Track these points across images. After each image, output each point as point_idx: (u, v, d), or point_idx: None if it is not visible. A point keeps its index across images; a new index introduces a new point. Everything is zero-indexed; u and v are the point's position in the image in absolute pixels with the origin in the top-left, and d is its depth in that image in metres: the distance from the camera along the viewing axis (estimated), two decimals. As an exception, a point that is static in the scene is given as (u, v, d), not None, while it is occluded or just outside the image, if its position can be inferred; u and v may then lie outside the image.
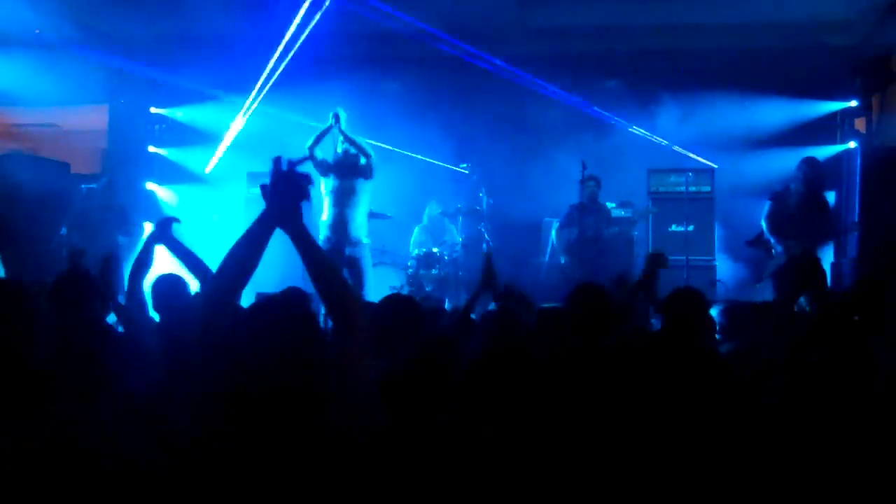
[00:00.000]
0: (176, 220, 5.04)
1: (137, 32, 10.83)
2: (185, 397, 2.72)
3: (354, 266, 8.76)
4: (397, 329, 4.15)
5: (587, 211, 10.28)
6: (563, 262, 10.54)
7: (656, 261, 5.44)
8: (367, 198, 8.93)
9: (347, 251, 8.76)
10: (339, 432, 2.25)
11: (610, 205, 10.82)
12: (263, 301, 2.51)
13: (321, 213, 9.01)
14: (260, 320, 2.32)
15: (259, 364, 2.22)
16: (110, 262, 5.44)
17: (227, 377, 2.24)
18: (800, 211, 8.89)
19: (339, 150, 8.93)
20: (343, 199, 8.79)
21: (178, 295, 5.07)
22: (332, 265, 2.69)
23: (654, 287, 5.36)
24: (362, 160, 8.84)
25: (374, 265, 10.09)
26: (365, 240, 8.86)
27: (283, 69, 11.33)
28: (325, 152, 9.03)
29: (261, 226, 2.69)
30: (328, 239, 8.79)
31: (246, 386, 2.20)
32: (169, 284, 5.13)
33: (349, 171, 8.87)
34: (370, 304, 4.78)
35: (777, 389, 3.26)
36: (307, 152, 8.75)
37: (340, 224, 8.76)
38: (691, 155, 11.36)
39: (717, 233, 10.98)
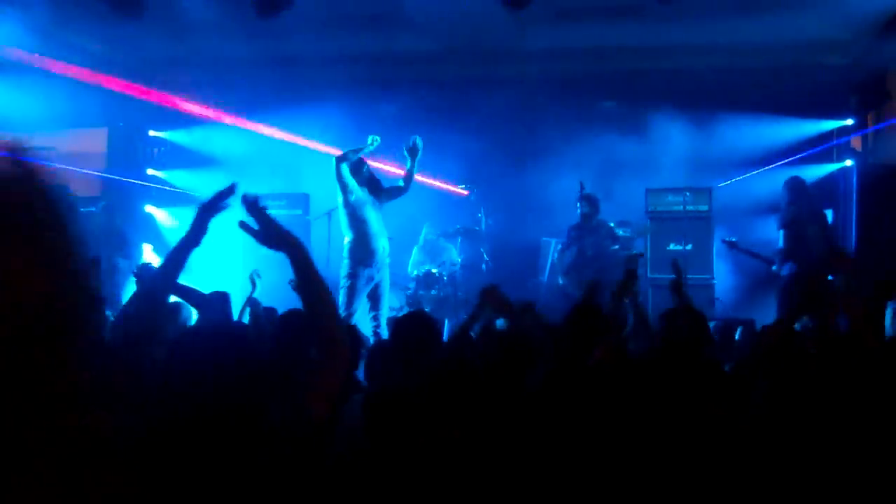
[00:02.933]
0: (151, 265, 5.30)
1: (136, 56, 10.88)
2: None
3: (375, 288, 8.67)
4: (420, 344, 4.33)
5: (584, 230, 10.29)
6: (561, 283, 10.52)
7: (632, 266, 5.46)
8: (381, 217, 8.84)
9: (369, 273, 8.64)
10: (278, 466, 2.22)
11: (609, 223, 10.83)
12: (209, 328, 2.51)
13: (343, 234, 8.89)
14: (202, 348, 2.30)
15: (198, 391, 2.19)
16: (94, 267, 5.48)
17: (166, 399, 2.22)
18: None
19: (365, 171, 8.80)
20: (366, 219, 8.66)
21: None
22: (326, 294, 2.68)
23: (631, 290, 5.35)
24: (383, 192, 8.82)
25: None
26: (386, 259, 8.79)
27: (282, 91, 11.40)
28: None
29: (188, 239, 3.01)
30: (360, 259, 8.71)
31: (183, 412, 2.18)
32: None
33: (372, 190, 8.77)
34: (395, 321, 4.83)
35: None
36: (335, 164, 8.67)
37: (363, 245, 8.67)
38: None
39: (716, 251, 10.98)
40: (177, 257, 3.01)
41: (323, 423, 2.39)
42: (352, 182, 8.61)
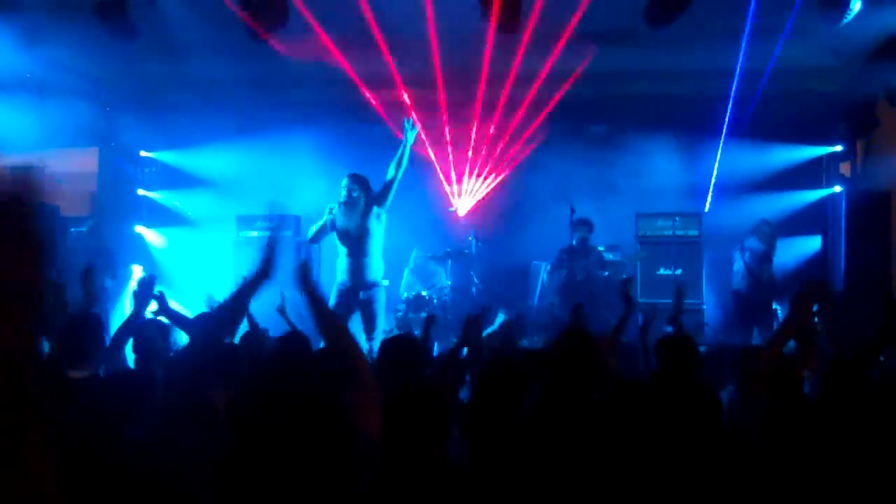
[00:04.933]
0: (153, 276, 5.27)
1: (129, 76, 10.88)
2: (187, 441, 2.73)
3: (368, 308, 8.64)
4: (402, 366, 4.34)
5: (577, 254, 10.33)
6: (554, 303, 10.56)
7: (627, 292, 5.51)
8: (380, 238, 8.78)
9: (362, 295, 8.64)
10: (339, 484, 2.24)
11: (599, 248, 10.85)
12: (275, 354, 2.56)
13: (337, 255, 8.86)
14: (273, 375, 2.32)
15: (266, 415, 2.21)
16: (88, 274, 5.46)
17: (237, 426, 2.25)
18: None
19: (343, 193, 8.79)
20: (356, 241, 8.66)
21: (162, 339, 5.16)
22: (340, 327, 2.81)
23: (625, 324, 5.41)
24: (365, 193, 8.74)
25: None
26: (383, 282, 8.77)
27: (272, 113, 11.41)
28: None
29: (251, 284, 3.09)
30: (343, 283, 8.69)
31: (252, 433, 2.20)
32: (153, 329, 5.21)
33: (353, 210, 8.70)
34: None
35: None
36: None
37: (356, 268, 8.68)
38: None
39: (705, 276, 11.01)
40: (249, 291, 3.11)
41: (378, 443, 2.44)
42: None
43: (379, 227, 8.71)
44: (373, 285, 8.65)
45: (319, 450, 2.16)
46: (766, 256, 10.40)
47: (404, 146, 8.73)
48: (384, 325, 8.94)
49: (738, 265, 10.55)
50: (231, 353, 4.70)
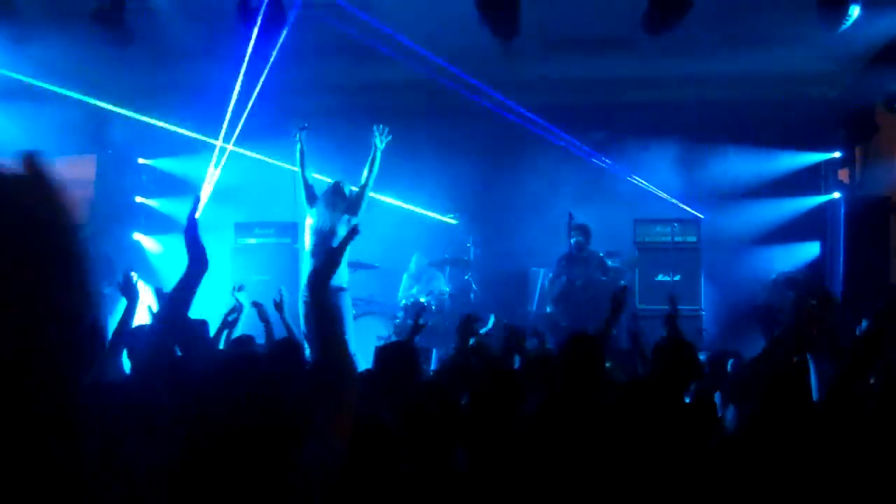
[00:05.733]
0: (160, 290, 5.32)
1: (126, 83, 10.86)
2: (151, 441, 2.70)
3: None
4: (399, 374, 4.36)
5: (575, 260, 10.31)
6: (548, 311, 10.53)
7: (618, 298, 5.58)
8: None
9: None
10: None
11: (600, 254, 10.83)
12: (243, 356, 2.47)
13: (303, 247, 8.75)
14: (236, 375, 2.27)
15: (224, 419, 2.16)
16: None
17: (191, 426, 2.19)
18: None
19: (329, 188, 8.73)
20: (323, 240, 8.56)
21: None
22: (336, 336, 2.71)
23: (611, 327, 5.47)
24: (346, 196, 8.67)
25: (362, 315, 10.01)
26: (345, 286, 8.63)
27: (271, 119, 11.37)
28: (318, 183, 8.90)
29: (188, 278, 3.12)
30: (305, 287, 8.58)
31: (209, 438, 2.15)
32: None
33: (333, 207, 8.66)
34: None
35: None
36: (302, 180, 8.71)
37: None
38: (679, 204, 11.40)
39: (704, 282, 10.99)
40: (188, 286, 3.11)
41: (344, 458, 2.37)
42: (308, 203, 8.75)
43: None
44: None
45: (263, 462, 2.10)
46: (793, 282, 10.44)
47: (374, 152, 8.70)
48: (354, 328, 8.80)
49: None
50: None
